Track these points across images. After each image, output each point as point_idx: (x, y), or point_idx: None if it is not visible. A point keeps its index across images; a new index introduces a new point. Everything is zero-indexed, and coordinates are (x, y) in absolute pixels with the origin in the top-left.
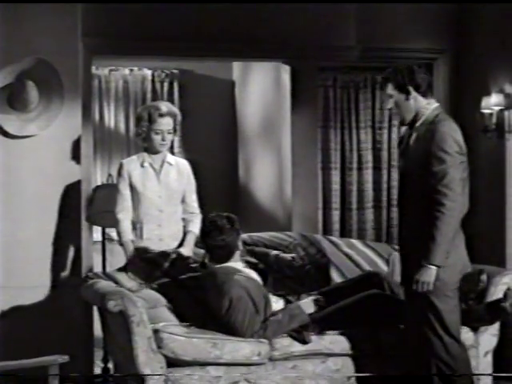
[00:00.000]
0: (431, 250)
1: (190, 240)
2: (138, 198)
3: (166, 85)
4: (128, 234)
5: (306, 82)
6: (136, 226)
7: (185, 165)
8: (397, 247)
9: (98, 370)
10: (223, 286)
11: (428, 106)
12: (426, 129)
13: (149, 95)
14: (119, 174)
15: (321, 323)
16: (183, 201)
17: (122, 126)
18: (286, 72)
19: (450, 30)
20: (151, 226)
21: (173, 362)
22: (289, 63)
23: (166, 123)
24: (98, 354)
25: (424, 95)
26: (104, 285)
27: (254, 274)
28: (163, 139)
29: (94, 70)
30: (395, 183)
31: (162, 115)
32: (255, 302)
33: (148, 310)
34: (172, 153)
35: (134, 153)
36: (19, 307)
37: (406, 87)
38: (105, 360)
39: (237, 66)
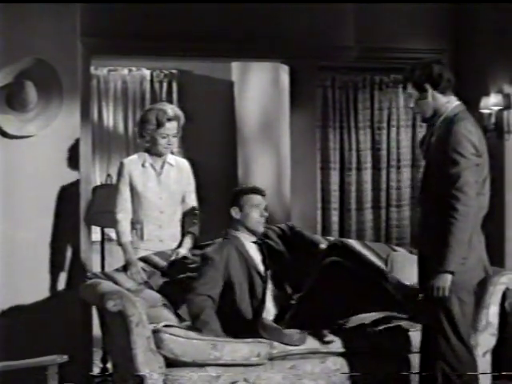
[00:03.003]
0: (445, 256)
1: (189, 240)
2: (138, 199)
3: (164, 85)
4: (127, 236)
5: (305, 82)
6: (136, 226)
7: (185, 165)
8: (395, 247)
9: (97, 370)
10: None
11: (448, 105)
12: (446, 129)
13: (148, 95)
14: (120, 173)
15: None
16: (183, 201)
17: (120, 126)
18: (284, 72)
19: (449, 30)
20: (152, 226)
21: (172, 363)
22: (288, 63)
23: (172, 127)
24: (97, 354)
25: (443, 92)
26: (103, 285)
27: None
28: (169, 143)
29: (92, 70)
30: (394, 183)
31: (169, 119)
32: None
33: (147, 310)
34: (171, 152)
35: (133, 153)
36: (18, 307)
37: (423, 85)
38: (104, 360)
39: (236, 66)
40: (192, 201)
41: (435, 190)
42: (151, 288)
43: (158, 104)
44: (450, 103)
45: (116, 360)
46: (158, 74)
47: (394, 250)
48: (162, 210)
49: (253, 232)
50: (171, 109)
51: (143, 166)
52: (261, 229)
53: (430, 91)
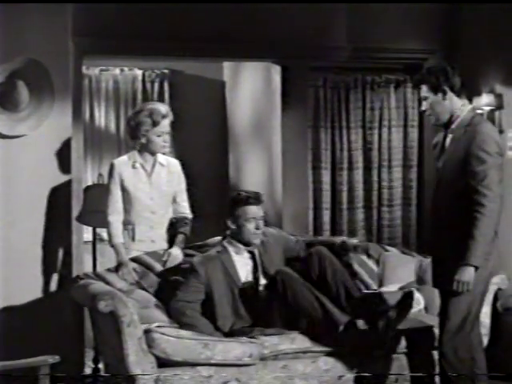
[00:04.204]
0: (471, 251)
1: (181, 240)
2: (129, 200)
3: (156, 85)
4: (119, 237)
5: (297, 82)
6: (127, 227)
7: (176, 165)
8: (387, 247)
9: (88, 371)
10: None
11: (463, 108)
12: (464, 130)
13: (139, 95)
14: (110, 174)
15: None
16: (174, 201)
17: (112, 126)
18: (276, 72)
19: (441, 30)
20: (143, 227)
21: (164, 363)
22: (279, 63)
23: (166, 125)
24: (89, 355)
25: (459, 96)
26: (95, 285)
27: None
28: (165, 140)
29: (84, 69)
30: (385, 183)
31: (164, 117)
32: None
33: (139, 310)
34: (163, 152)
35: (125, 153)
36: (10, 308)
37: (441, 88)
38: (95, 360)
39: (227, 66)
40: (183, 201)
41: (452, 189)
42: (143, 288)
43: (148, 104)
44: (465, 106)
45: (108, 360)
46: (149, 73)
47: (386, 250)
48: (153, 211)
49: (247, 244)
50: (163, 106)
51: (133, 166)
52: (256, 241)
53: (449, 94)
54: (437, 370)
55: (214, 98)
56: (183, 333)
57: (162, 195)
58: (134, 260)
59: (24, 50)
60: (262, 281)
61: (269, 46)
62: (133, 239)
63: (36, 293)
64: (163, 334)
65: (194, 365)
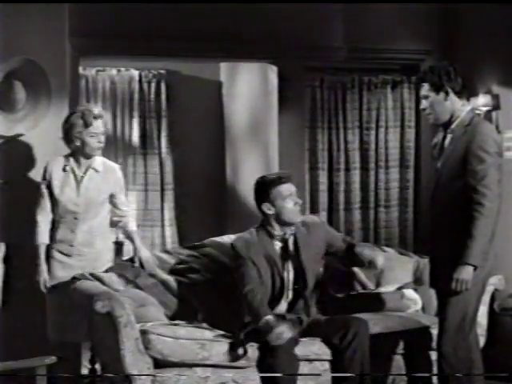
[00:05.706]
0: (470, 250)
1: (138, 240)
2: (54, 202)
3: (153, 85)
4: (44, 238)
5: (294, 82)
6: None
7: (113, 170)
8: (384, 248)
9: (85, 371)
10: None
11: (463, 108)
12: (464, 130)
13: (136, 95)
14: (42, 174)
15: None
16: (114, 205)
17: (108, 127)
18: (273, 72)
19: (437, 31)
20: (65, 230)
21: (160, 363)
22: (276, 64)
23: (99, 125)
24: (86, 355)
25: (459, 96)
26: (91, 286)
27: None
28: (99, 141)
29: (81, 70)
30: (382, 184)
31: (96, 118)
32: None
33: (136, 309)
34: (159, 153)
35: (121, 153)
36: (6, 308)
37: (444, 88)
38: (92, 361)
39: (224, 67)
40: (122, 203)
41: (451, 189)
42: (139, 288)
43: (80, 106)
44: (465, 107)
45: (104, 361)
46: (146, 74)
47: (383, 251)
48: (76, 217)
49: (289, 224)
50: (95, 107)
51: (64, 169)
52: (298, 218)
53: (451, 94)
54: (434, 370)
55: (210, 98)
56: (180, 332)
57: (89, 202)
58: (129, 260)
59: (21, 51)
60: (291, 274)
61: (266, 47)
62: (54, 240)
63: (32, 292)
64: (160, 334)
65: (190, 365)
